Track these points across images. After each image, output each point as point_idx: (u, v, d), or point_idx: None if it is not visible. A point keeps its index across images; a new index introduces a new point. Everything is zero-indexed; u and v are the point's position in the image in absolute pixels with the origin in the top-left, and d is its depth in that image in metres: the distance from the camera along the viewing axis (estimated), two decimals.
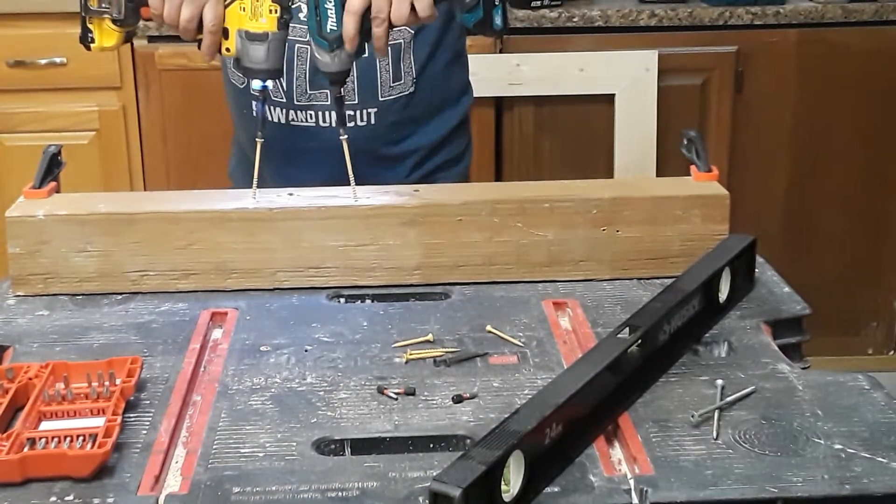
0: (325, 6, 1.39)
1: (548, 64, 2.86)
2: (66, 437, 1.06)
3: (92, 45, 1.47)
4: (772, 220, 3.02)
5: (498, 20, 1.40)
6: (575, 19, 2.85)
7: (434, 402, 1.16)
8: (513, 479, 0.97)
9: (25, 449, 1.03)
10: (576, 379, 1.07)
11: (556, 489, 1.00)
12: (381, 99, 1.70)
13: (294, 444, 1.08)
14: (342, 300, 1.44)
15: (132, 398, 1.14)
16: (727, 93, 2.92)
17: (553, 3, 2.87)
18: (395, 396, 1.17)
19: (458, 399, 1.16)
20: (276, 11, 1.41)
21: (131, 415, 1.13)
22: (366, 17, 1.38)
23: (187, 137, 2.87)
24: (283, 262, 1.44)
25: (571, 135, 2.93)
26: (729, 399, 1.14)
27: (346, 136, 1.47)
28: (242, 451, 1.07)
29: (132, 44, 2.81)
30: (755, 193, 2.97)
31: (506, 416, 1.01)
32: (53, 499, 0.99)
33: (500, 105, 2.90)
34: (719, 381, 1.17)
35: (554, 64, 2.86)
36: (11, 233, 1.42)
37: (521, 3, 2.83)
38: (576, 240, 1.46)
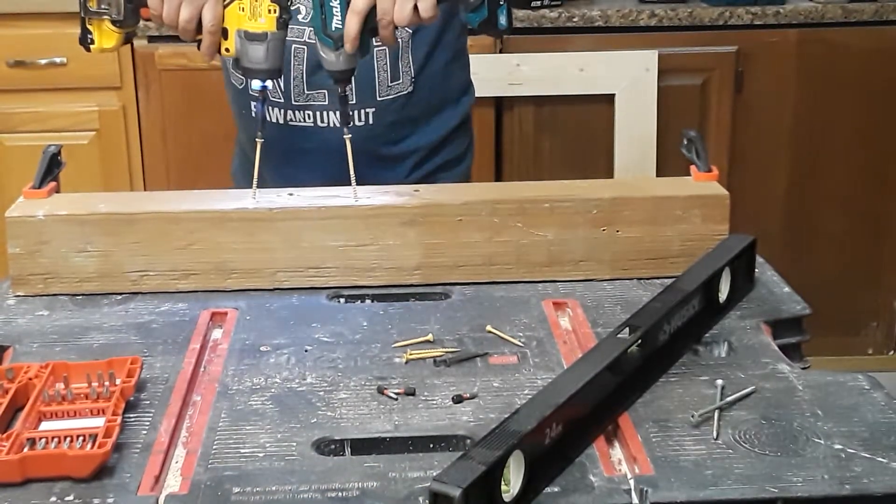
0: (331, 4, 1.39)
1: (548, 64, 2.86)
2: (66, 438, 1.06)
3: (92, 47, 1.47)
4: (772, 220, 3.02)
5: (503, 20, 1.40)
6: (575, 19, 2.85)
7: (434, 402, 1.16)
8: (513, 479, 0.97)
9: (25, 449, 1.03)
10: (576, 379, 1.07)
11: (556, 489, 1.00)
12: (379, 98, 1.70)
13: (294, 444, 1.08)
14: (342, 300, 1.44)
15: (132, 398, 1.14)
16: (727, 93, 2.92)
17: (553, 3, 2.87)
18: (395, 396, 1.17)
19: (458, 399, 1.16)
20: (274, 11, 1.41)
21: (131, 415, 1.13)
22: (369, 17, 1.38)
23: (187, 137, 2.87)
24: (283, 262, 1.44)
25: (571, 135, 2.93)
26: (729, 399, 1.14)
27: (349, 136, 1.47)
28: (242, 451, 1.07)
29: (132, 44, 2.81)
30: (755, 193, 2.97)
31: (506, 416, 1.01)
32: (53, 499, 0.99)
33: (500, 105, 2.90)
34: (719, 381, 1.17)
35: (554, 64, 2.86)
36: (11, 233, 1.42)
37: (521, 3, 2.83)
38: (576, 240, 1.46)
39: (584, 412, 1.07)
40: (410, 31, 1.68)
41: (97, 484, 1.01)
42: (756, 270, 1.45)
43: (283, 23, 1.42)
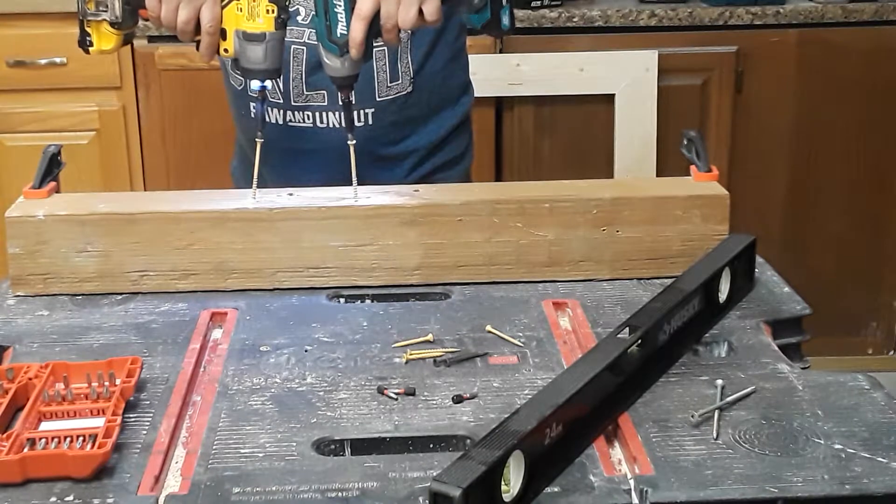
0: (335, 10, 1.38)
1: (548, 64, 2.86)
2: (65, 438, 1.06)
3: (90, 49, 1.47)
4: (772, 220, 3.02)
5: (505, 20, 1.40)
6: (575, 19, 2.85)
7: (434, 402, 1.16)
8: (513, 479, 0.97)
9: (25, 449, 1.03)
10: (576, 379, 1.07)
11: (556, 489, 1.00)
12: (378, 99, 1.70)
13: (294, 444, 1.08)
14: (342, 300, 1.44)
15: (132, 398, 1.14)
16: (727, 93, 2.92)
17: (553, 3, 2.87)
18: (395, 396, 1.17)
19: (458, 399, 1.16)
20: (273, 11, 1.41)
21: (131, 415, 1.13)
22: (373, 21, 1.38)
23: (187, 137, 2.87)
24: (283, 262, 1.44)
25: (571, 135, 2.93)
26: (729, 399, 1.14)
27: (353, 142, 1.47)
28: (242, 451, 1.07)
29: (132, 44, 2.80)
30: (755, 193, 2.97)
31: (506, 416, 1.01)
32: (53, 499, 0.99)
33: (500, 105, 2.91)
34: (719, 381, 1.17)
35: (554, 64, 2.86)
36: (11, 233, 1.42)
37: (521, 3, 2.83)
38: (576, 240, 1.46)
39: (584, 412, 1.07)
40: (409, 33, 1.68)
41: (97, 484, 1.01)
42: (756, 270, 1.45)
43: (282, 23, 1.42)
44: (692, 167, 1.53)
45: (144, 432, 1.10)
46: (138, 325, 1.35)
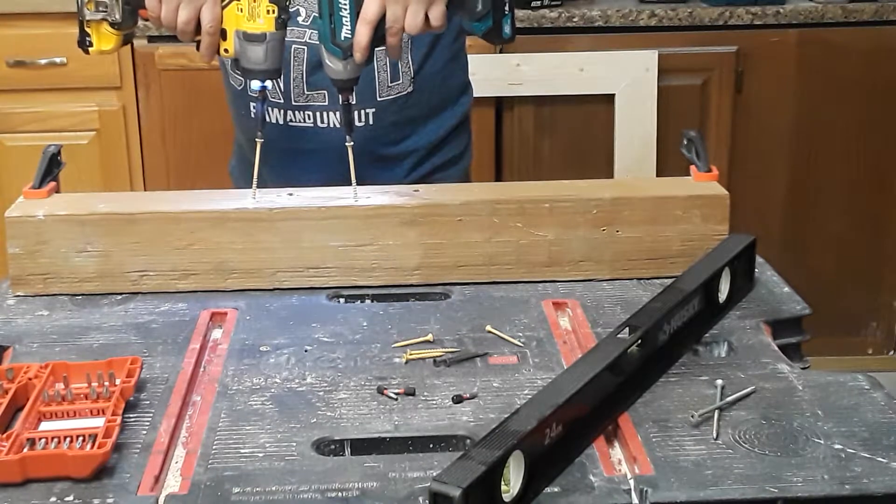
0: (340, 14, 1.38)
1: (548, 64, 2.86)
2: (65, 438, 1.06)
3: (90, 49, 1.47)
4: (772, 220, 3.02)
5: (507, 29, 1.40)
6: (575, 19, 2.85)
7: (434, 402, 1.16)
8: (513, 479, 0.97)
9: (25, 449, 1.03)
10: (576, 379, 1.07)
11: (556, 489, 1.00)
12: (379, 99, 1.70)
13: (294, 444, 1.08)
14: (342, 300, 1.44)
15: (132, 398, 1.14)
16: (727, 93, 2.92)
17: (553, 3, 2.87)
18: (395, 396, 1.17)
19: (458, 399, 1.16)
20: (273, 12, 1.41)
21: (131, 415, 1.13)
22: (378, 26, 1.38)
23: (187, 137, 2.88)
24: (283, 262, 1.44)
25: (571, 135, 2.93)
26: (729, 399, 1.14)
27: (351, 143, 1.47)
28: (242, 451, 1.07)
29: (132, 44, 2.81)
30: (755, 193, 2.98)
31: (506, 416, 1.01)
32: (53, 499, 0.99)
33: (500, 105, 2.91)
34: (719, 381, 1.17)
35: (554, 64, 2.86)
36: (11, 233, 1.42)
37: (521, 3, 2.83)
38: (576, 240, 1.46)
39: (584, 412, 1.07)
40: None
41: (97, 484, 1.01)
42: (756, 270, 1.45)
43: (282, 23, 1.42)
44: (692, 167, 1.53)
45: (144, 432, 1.10)
46: (138, 325, 1.35)
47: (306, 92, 1.68)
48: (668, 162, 2.85)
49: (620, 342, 1.15)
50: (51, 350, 1.28)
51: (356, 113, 1.68)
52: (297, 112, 1.70)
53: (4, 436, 1.05)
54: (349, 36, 1.39)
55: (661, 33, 2.89)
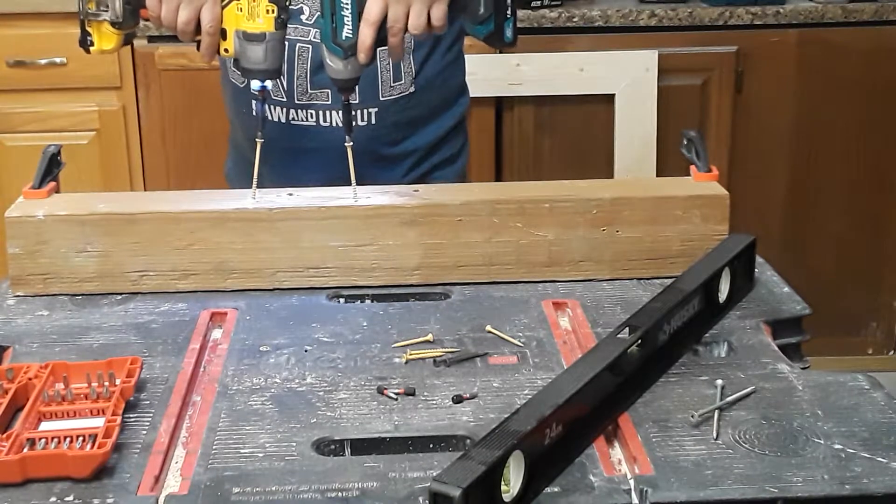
0: (342, 13, 1.38)
1: (548, 64, 2.86)
2: (65, 438, 1.06)
3: (91, 48, 1.47)
4: (772, 220, 3.02)
5: (508, 33, 1.41)
6: (575, 19, 2.85)
7: (434, 402, 1.16)
8: (513, 479, 0.97)
9: (25, 449, 1.03)
10: (576, 379, 1.07)
11: (556, 489, 1.00)
12: (381, 99, 1.70)
13: (294, 444, 1.08)
14: (342, 300, 1.44)
15: (132, 398, 1.14)
16: (727, 93, 2.92)
17: (553, 3, 2.87)
18: (395, 396, 1.17)
19: (458, 399, 1.16)
20: (273, 11, 1.41)
21: (131, 415, 1.13)
22: (380, 27, 1.39)
23: (187, 137, 2.87)
24: (283, 262, 1.44)
25: (571, 135, 2.93)
26: (729, 399, 1.14)
27: (351, 143, 1.47)
28: (242, 451, 1.07)
29: (132, 44, 2.81)
30: (755, 193, 2.97)
31: (506, 416, 1.01)
32: (53, 499, 0.99)
33: (500, 105, 2.91)
34: (719, 381, 1.17)
35: (554, 64, 2.86)
36: (11, 233, 1.42)
37: (521, 3, 2.83)
38: (576, 240, 1.46)
39: (584, 412, 1.07)
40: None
41: (97, 484, 1.01)
42: (756, 270, 1.45)
43: (282, 23, 1.42)
44: (692, 167, 1.53)
45: (144, 432, 1.10)
46: (138, 325, 1.35)
47: (309, 91, 1.69)
48: (668, 162, 2.85)
49: (620, 342, 1.15)
50: (51, 350, 1.28)
51: (359, 112, 1.68)
52: (299, 111, 1.70)
53: (4, 436, 1.05)
54: (350, 36, 1.39)
55: (661, 33, 2.89)
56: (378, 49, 1.42)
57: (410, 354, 1.26)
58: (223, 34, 1.44)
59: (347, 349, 1.28)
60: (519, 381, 1.21)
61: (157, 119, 2.88)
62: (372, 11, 1.38)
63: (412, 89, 1.72)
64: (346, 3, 1.38)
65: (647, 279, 1.46)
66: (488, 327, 1.33)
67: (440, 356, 1.26)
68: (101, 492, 1.00)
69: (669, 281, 1.31)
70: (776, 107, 2.96)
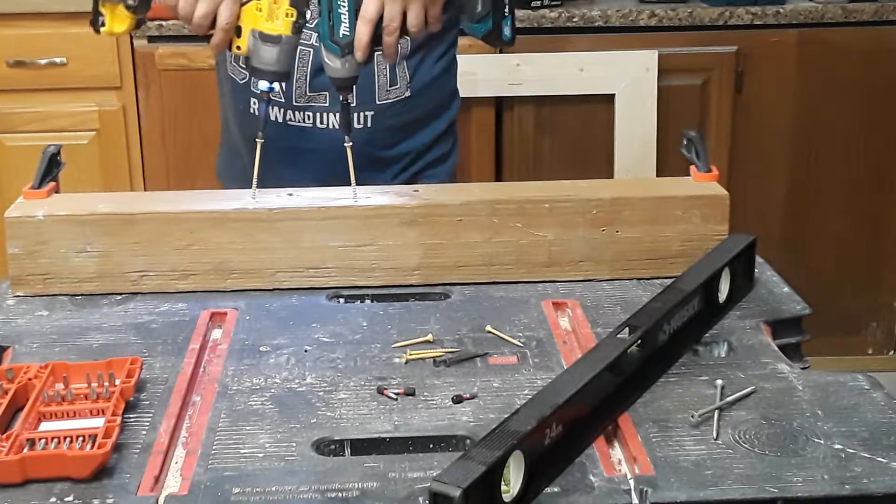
0: (339, 11, 1.39)
1: (548, 64, 2.86)
2: (65, 438, 1.06)
3: (102, 29, 1.47)
4: (772, 220, 3.02)
5: (507, 31, 1.41)
6: (575, 19, 2.85)
7: (434, 402, 1.16)
8: (513, 479, 0.97)
9: (25, 450, 1.03)
10: (576, 379, 1.07)
11: (556, 489, 1.00)
12: (378, 102, 1.70)
13: (294, 444, 1.08)
14: (342, 300, 1.44)
15: (132, 399, 1.14)
16: (727, 93, 2.92)
17: (553, 3, 2.87)
18: (394, 397, 1.17)
19: (457, 399, 1.16)
20: (291, 15, 1.41)
21: (131, 415, 1.13)
22: (377, 25, 1.39)
23: (187, 137, 2.87)
24: (283, 262, 1.44)
25: (571, 135, 2.93)
26: (729, 399, 1.14)
27: (350, 144, 1.47)
28: (242, 451, 1.07)
29: (132, 44, 2.82)
30: (755, 193, 2.97)
31: (506, 416, 1.01)
32: (53, 499, 0.99)
33: (500, 105, 2.90)
34: (719, 381, 1.17)
35: (554, 64, 2.86)
36: (11, 233, 1.42)
37: (521, 3, 2.83)
38: (576, 240, 1.46)
39: (584, 412, 1.07)
40: (408, 39, 1.68)
41: (97, 484, 1.01)
42: (756, 270, 1.45)
43: (298, 28, 1.42)
44: (692, 167, 1.53)
45: (144, 432, 1.10)
46: (138, 325, 1.35)
47: (308, 93, 1.69)
48: (668, 162, 2.85)
49: (620, 342, 1.15)
50: (50, 350, 1.28)
51: (355, 115, 1.68)
52: (297, 112, 1.70)
53: (4, 436, 1.05)
54: (347, 34, 1.39)
55: (661, 33, 2.89)
56: (374, 50, 1.42)
57: (410, 354, 1.26)
58: (237, 31, 1.43)
59: (347, 349, 1.28)
60: (519, 381, 1.21)
61: (157, 119, 2.88)
62: (369, 9, 1.39)
63: (408, 94, 1.72)
64: (343, 2, 1.38)
65: (647, 279, 1.46)
66: (488, 327, 1.33)
67: (440, 356, 1.26)
68: (101, 492, 1.00)
69: (669, 281, 1.31)
70: (776, 107, 2.96)
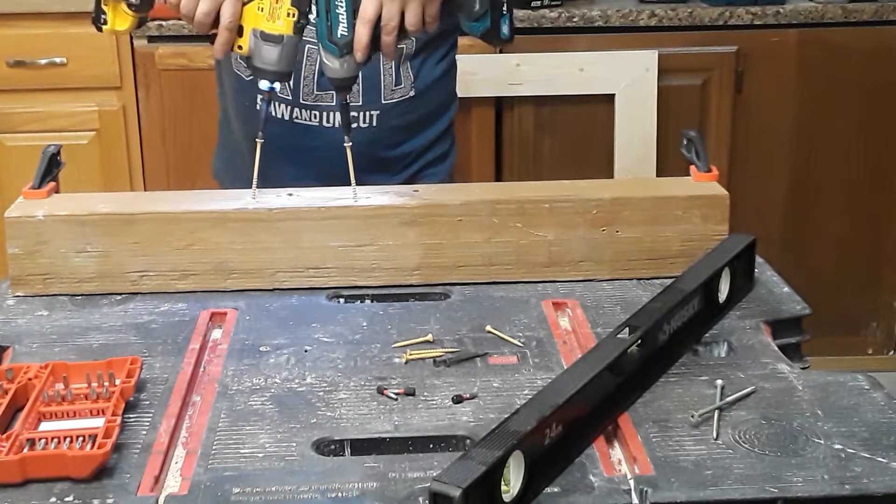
0: (337, 11, 1.39)
1: (548, 64, 2.86)
2: (65, 438, 1.06)
3: (104, 27, 1.47)
4: (772, 220, 3.02)
5: (505, 29, 1.41)
6: (575, 19, 2.85)
7: (434, 402, 1.16)
8: (513, 479, 0.97)
9: (25, 450, 1.03)
10: (576, 379, 1.07)
11: (556, 489, 1.00)
12: (383, 102, 1.70)
13: (294, 444, 1.08)
14: (342, 300, 1.44)
15: (132, 399, 1.14)
16: (727, 93, 2.92)
17: (553, 3, 2.87)
18: (394, 397, 1.17)
19: (457, 399, 1.16)
20: (293, 15, 1.41)
21: (131, 415, 1.13)
22: (376, 25, 1.39)
23: (187, 137, 2.88)
24: (283, 262, 1.44)
25: (571, 135, 2.93)
26: (729, 399, 1.14)
27: (350, 143, 1.47)
28: (242, 451, 1.07)
29: (132, 44, 2.82)
30: (755, 193, 2.98)
31: (506, 416, 1.01)
32: (53, 499, 0.99)
33: (500, 105, 2.91)
34: (719, 381, 1.17)
35: (554, 64, 2.86)
36: (11, 233, 1.42)
37: (522, 3, 2.83)
38: (576, 240, 1.46)
39: (584, 412, 1.07)
40: (412, 40, 1.68)
41: (97, 484, 1.01)
42: (756, 270, 1.45)
43: (300, 28, 1.42)
44: (692, 167, 1.53)
45: (144, 432, 1.10)
46: (138, 325, 1.35)
47: (315, 92, 1.69)
48: (668, 162, 2.85)
49: (620, 342, 1.15)
50: (50, 350, 1.28)
51: (361, 114, 1.69)
52: (304, 110, 1.71)
53: (4, 436, 1.05)
54: (345, 34, 1.39)
55: (661, 33, 2.89)
56: (373, 51, 1.42)
57: (410, 354, 1.26)
58: (239, 31, 1.43)
59: (347, 349, 1.28)
60: (519, 381, 1.21)
61: (157, 119, 2.89)
62: (367, 9, 1.39)
63: (412, 93, 1.73)
64: (341, 2, 1.38)
65: (647, 279, 1.46)
66: (488, 327, 1.33)
67: (440, 356, 1.26)
68: (101, 492, 1.00)
69: (669, 281, 1.31)
70: (776, 107, 2.96)
